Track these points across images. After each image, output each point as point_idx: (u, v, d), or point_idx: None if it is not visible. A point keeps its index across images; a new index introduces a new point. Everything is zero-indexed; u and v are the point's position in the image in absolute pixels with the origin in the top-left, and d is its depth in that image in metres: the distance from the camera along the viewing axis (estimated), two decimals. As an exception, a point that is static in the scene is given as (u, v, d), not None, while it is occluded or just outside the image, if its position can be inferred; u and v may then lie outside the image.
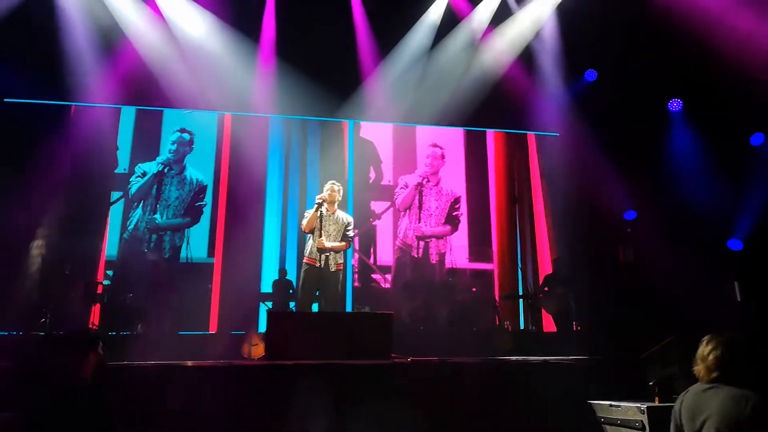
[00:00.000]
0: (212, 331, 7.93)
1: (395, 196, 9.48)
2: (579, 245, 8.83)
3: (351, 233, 5.69)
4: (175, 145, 8.91)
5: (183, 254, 8.51)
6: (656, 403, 3.59)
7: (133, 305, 7.10)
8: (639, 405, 3.52)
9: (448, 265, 9.19)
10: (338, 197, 5.71)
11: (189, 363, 4.43)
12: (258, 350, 6.83)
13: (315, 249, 5.41)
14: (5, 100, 8.32)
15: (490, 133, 9.98)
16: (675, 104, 9.16)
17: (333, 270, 5.48)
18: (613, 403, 3.75)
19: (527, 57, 9.19)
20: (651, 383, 3.77)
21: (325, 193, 5.57)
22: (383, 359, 4.48)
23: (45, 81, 8.25)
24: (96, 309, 7.40)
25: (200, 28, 8.42)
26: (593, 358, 4.91)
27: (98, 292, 7.35)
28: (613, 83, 9.01)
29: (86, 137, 8.62)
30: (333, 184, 5.74)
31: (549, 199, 9.77)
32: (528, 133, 10.01)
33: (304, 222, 5.52)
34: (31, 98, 8.38)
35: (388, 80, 9.15)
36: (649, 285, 7.42)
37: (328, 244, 5.43)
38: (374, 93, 9.24)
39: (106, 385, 3.27)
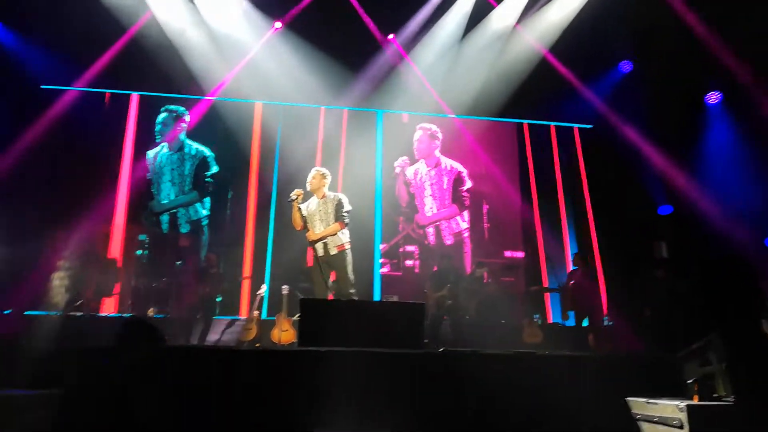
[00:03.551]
0: (242, 316, 8.03)
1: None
2: (611, 240, 8.70)
3: (345, 211, 5.53)
4: (159, 125, 8.98)
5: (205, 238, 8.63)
6: (695, 402, 3.53)
7: (161, 287, 7.24)
8: (678, 403, 3.45)
9: (470, 253, 9.12)
10: (324, 182, 5.61)
11: (220, 346, 4.48)
12: (288, 336, 6.90)
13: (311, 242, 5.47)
14: (42, 86, 8.50)
15: (521, 125, 9.85)
16: (714, 97, 8.91)
17: (334, 253, 5.47)
18: (650, 400, 3.69)
19: (561, 47, 9.00)
20: (689, 381, 3.70)
21: (298, 189, 5.48)
22: (415, 349, 4.48)
23: (80, 68, 8.40)
24: (128, 292, 7.56)
25: (230, 16, 8.44)
26: (628, 353, 4.84)
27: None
28: (649, 75, 8.81)
29: (116, 123, 8.79)
30: (315, 170, 5.66)
31: (580, 193, 9.62)
32: (560, 125, 9.84)
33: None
34: (68, 85, 8.53)
35: (418, 70, 9.10)
36: (684, 281, 7.27)
37: (317, 233, 5.45)
38: (404, 83, 9.21)
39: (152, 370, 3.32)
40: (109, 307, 7.72)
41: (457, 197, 9.41)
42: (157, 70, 8.40)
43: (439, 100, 9.32)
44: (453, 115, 9.54)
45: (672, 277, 7.17)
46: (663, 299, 6.91)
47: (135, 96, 8.97)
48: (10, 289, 5.85)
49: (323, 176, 5.64)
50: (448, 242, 9.23)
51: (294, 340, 6.82)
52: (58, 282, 6.83)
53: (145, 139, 8.94)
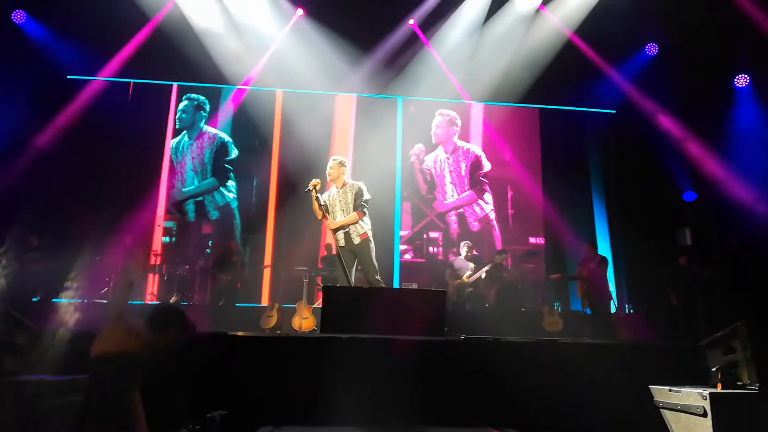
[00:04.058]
0: (264, 303, 8.13)
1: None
2: (635, 227, 8.58)
3: (364, 200, 5.52)
4: (180, 113, 9.08)
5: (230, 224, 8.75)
6: (719, 390, 3.49)
7: (186, 275, 7.36)
8: (701, 391, 3.42)
9: (499, 237, 9.08)
10: (342, 171, 5.60)
11: (240, 333, 4.54)
12: (308, 323, 6.97)
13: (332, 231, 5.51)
14: (68, 77, 8.63)
15: (544, 110, 9.72)
16: (742, 80, 8.69)
17: (357, 242, 5.47)
18: (673, 388, 3.66)
19: (585, 31, 8.82)
20: (713, 369, 3.66)
21: (315, 179, 5.49)
22: (436, 336, 4.50)
23: (105, 58, 8.51)
24: (155, 278, 7.71)
25: (253, 4, 8.46)
26: (650, 341, 4.80)
27: (157, 263, 7.62)
28: (676, 58, 8.62)
29: (141, 112, 8.91)
30: (333, 159, 5.65)
31: (603, 179, 9.49)
32: (584, 110, 9.68)
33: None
34: (93, 75, 8.65)
35: (440, 56, 9.03)
36: (708, 269, 7.17)
37: (337, 222, 5.47)
38: (425, 69, 9.15)
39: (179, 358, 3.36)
40: (134, 295, 7.87)
41: (475, 182, 9.35)
42: (179, 59, 8.47)
43: (458, 86, 9.23)
44: (474, 101, 9.45)
45: (696, 265, 7.07)
46: (688, 287, 6.83)
47: (158, 85, 9.05)
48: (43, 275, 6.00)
49: (341, 164, 5.64)
50: (475, 228, 9.20)
51: (314, 327, 6.89)
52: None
53: (166, 128, 9.03)
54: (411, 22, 8.94)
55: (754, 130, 8.35)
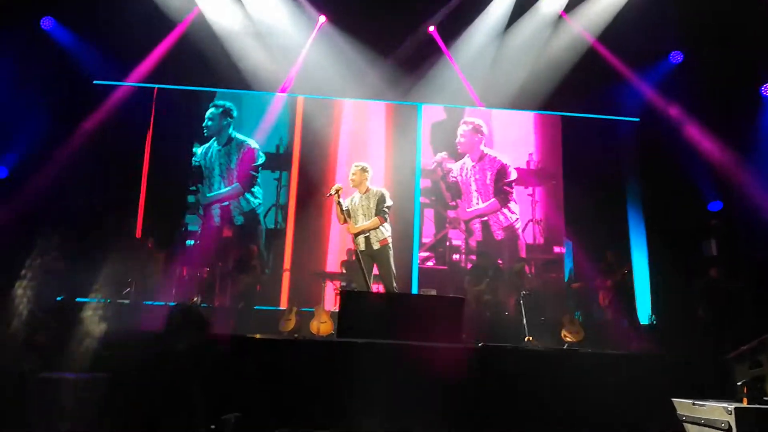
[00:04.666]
0: (283, 307, 8.16)
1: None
2: (660, 236, 8.43)
3: (386, 206, 5.61)
4: (207, 120, 9.13)
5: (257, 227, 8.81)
6: (744, 404, 3.41)
7: (207, 278, 7.43)
8: (726, 405, 3.34)
9: (524, 247, 9.00)
10: (365, 176, 5.68)
11: (257, 336, 4.57)
12: (326, 327, 6.98)
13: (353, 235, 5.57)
14: (95, 82, 8.79)
15: (567, 117, 9.62)
16: (770, 88, 8.50)
17: (377, 248, 5.51)
18: (697, 401, 3.58)
19: (608, 38, 8.72)
20: (739, 383, 3.58)
21: (337, 184, 5.61)
22: (454, 342, 4.47)
23: (130, 64, 8.66)
24: (176, 281, 7.79)
25: (273, 9, 8.54)
26: (674, 354, 4.70)
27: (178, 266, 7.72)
28: (701, 66, 8.48)
29: (166, 118, 9.04)
30: (356, 165, 5.75)
31: (626, 188, 9.34)
32: (607, 117, 9.56)
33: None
34: (119, 81, 8.80)
35: (460, 63, 9.02)
36: (734, 281, 7.01)
37: (358, 227, 5.51)
38: (445, 76, 9.14)
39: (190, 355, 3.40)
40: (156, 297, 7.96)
41: (499, 191, 9.29)
42: (204, 65, 8.57)
43: (473, 94, 9.18)
44: (496, 108, 9.39)
45: (723, 277, 6.93)
46: (714, 299, 6.69)
47: (180, 91, 9.16)
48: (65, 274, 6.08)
49: (364, 170, 5.70)
50: (499, 237, 9.13)
51: (332, 332, 6.90)
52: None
53: (191, 133, 9.14)
54: (431, 28, 8.95)
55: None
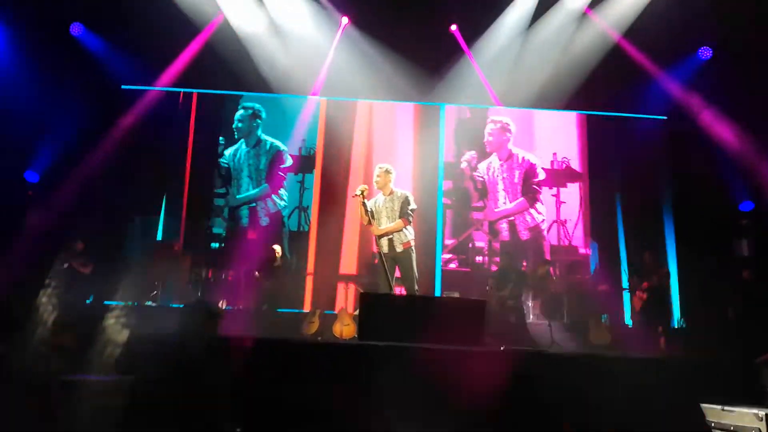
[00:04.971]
0: (306, 309, 8.19)
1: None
2: (690, 237, 8.23)
3: (411, 209, 5.63)
4: (237, 122, 9.22)
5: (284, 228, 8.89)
6: (776, 411, 3.30)
7: (232, 280, 7.51)
8: (757, 411, 3.25)
9: (548, 248, 8.89)
10: (389, 178, 5.69)
11: (280, 339, 4.59)
12: (349, 330, 6.99)
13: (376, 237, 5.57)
14: (123, 86, 8.97)
15: (593, 116, 9.46)
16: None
17: (400, 250, 5.52)
18: (726, 407, 3.49)
19: (634, 34, 8.53)
20: (770, 389, 3.47)
21: (363, 185, 5.61)
22: (475, 346, 4.43)
23: (158, 68, 8.80)
24: (202, 283, 7.90)
25: (293, 12, 8.59)
26: (703, 358, 4.58)
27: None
28: (731, 62, 8.26)
29: (194, 121, 9.18)
30: (379, 167, 5.76)
31: (656, 187, 9.14)
32: (633, 116, 9.37)
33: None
34: (147, 85, 8.95)
35: (483, 61, 8.94)
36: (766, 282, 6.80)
37: (382, 229, 5.51)
38: (468, 75, 9.07)
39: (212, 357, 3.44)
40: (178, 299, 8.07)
41: (527, 190, 9.17)
42: (230, 69, 8.66)
43: (492, 94, 9.09)
44: (519, 107, 9.28)
45: (755, 278, 6.74)
46: (746, 300, 6.51)
47: (205, 95, 9.29)
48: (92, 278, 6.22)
49: (388, 172, 5.72)
50: (524, 237, 9.03)
51: (355, 335, 6.90)
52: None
53: (218, 136, 9.24)
54: (453, 27, 8.90)
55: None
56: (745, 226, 7.98)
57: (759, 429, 3.21)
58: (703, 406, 3.71)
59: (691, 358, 4.63)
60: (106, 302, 6.47)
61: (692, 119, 8.57)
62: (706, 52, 8.64)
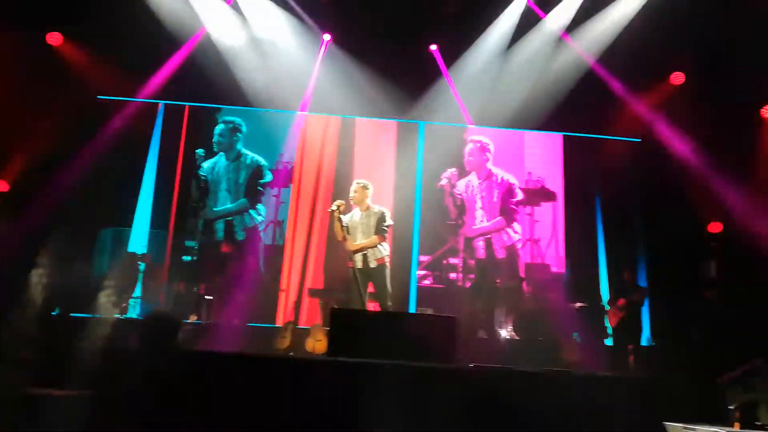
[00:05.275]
0: (278, 324, 8.14)
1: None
2: (658, 257, 8.39)
3: (386, 225, 5.67)
4: (216, 135, 9.18)
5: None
6: (737, 429, 3.37)
7: (204, 294, 7.43)
8: (718, 430, 3.31)
9: (523, 266, 8.96)
10: (366, 194, 5.73)
11: (252, 354, 4.56)
12: (322, 346, 6.95)
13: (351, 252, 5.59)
14: (99, 97, 8.87)
15: (568, 137, 9.62)
16: (769, 110, 8.50)
17: (374, 266, 5.54)
18: (688, 426, 3.54)
19: (609, 58, 8.73)
20: (731, 408, 3.54)
21: (339, 200, 5.63)
22: (446, 363, 4.44)
23: (136, 81, 8.75)
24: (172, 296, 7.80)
25: (275, 28, 8.63)
26: (666, 377, 4.65)
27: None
28: (703, 86, 8.51)
29: (170, 133, 9.12)
30: (356, 183, 5.81)
31: (626, 208, 9.32)
32: (607, 138, 9.56)
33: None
34: (124, 96, 8.89)
35: (462, 81, 9.07)
36: (733, 305, 6.94)
37: (356, 245, 5.52)
38: (447, 94, 9.19)
39: (178, 371, 3.41)
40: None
41: (505, 210, 9.27)
42: (210, 82, 8.66)
43: (465, 114, 9.22)
44: (497, 127, 9.40)
45: (718, 299, 6.88)
46: (711, 322, 6.64)
47: (187, 107, 9.25)
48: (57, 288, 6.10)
49: (365, 188, 5.76)
50: (500, 255, 9.10)
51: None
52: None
53: (195, 149, 9.19)
54: (433, 47, 9.02)
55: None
56: (713, 248, 8.15)
57: (719, 448, 3.26)
58: (666, 424, 3.76)
59: (656, 376, 4.69)
60: (72, 315, 6.37)
61: (664, 143, 8.77)
62: (678, 78, 8.88)
